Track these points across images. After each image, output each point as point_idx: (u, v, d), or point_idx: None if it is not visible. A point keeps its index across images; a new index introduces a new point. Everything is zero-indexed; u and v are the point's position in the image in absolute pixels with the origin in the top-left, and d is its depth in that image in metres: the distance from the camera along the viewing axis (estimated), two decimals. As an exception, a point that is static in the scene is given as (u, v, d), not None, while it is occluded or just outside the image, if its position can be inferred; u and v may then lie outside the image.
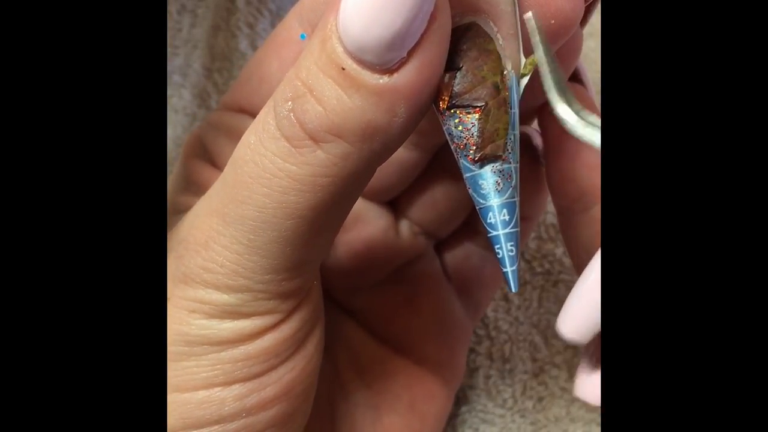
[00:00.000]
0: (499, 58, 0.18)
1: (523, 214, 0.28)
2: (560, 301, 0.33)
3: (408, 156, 0.25)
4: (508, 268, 0.19)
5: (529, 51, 0.19)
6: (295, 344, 0.21)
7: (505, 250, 0.19)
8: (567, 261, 0.33)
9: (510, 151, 0.18)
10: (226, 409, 0.20)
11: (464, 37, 0.18)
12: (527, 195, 0.27)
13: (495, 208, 0.18)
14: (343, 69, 0.17)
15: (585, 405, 0.32)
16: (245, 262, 0.19)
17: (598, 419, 0.32)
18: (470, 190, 0.19)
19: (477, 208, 0.19)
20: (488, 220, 0.19)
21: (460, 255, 0.29)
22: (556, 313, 0.33)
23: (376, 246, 0.27)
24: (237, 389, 0.20)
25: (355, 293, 0.28)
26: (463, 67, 0.18)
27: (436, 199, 0.27)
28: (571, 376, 0.33)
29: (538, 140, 0.26)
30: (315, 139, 0.18)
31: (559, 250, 0.33)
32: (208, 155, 0.25)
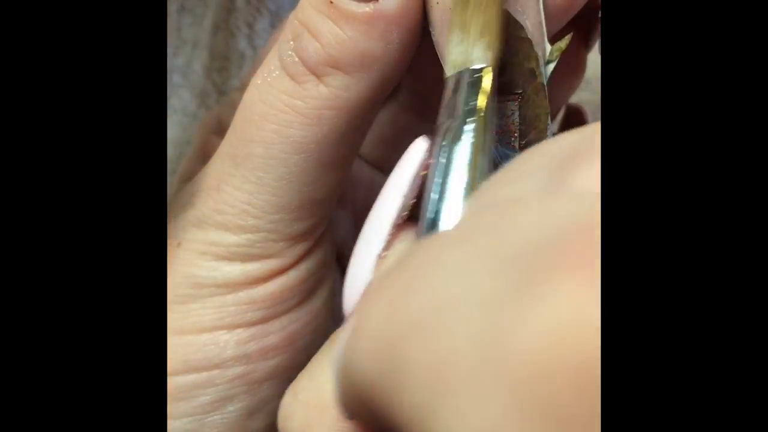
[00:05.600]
0: (531, 44, 0.18)
1: None
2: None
3: None
4: None
5: (553, 39, 0.19)
6: (301, 294, 0.21)
7: None
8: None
9: (550, 135, 0.18)
10: (228, 353, 0.20)
11: None
12: None
13: None
14: (331, 2, 0.18)
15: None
16: (256, 201, 0.20)
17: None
18: None
19: None
20: None
21: None
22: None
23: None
24: (239, 334, 0.20)
25: None
26: None
27: None
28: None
29: None
30: (316, 73, 0.19)
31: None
32: (224, 130, 0.25)
